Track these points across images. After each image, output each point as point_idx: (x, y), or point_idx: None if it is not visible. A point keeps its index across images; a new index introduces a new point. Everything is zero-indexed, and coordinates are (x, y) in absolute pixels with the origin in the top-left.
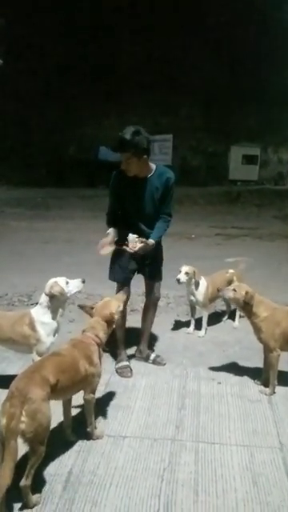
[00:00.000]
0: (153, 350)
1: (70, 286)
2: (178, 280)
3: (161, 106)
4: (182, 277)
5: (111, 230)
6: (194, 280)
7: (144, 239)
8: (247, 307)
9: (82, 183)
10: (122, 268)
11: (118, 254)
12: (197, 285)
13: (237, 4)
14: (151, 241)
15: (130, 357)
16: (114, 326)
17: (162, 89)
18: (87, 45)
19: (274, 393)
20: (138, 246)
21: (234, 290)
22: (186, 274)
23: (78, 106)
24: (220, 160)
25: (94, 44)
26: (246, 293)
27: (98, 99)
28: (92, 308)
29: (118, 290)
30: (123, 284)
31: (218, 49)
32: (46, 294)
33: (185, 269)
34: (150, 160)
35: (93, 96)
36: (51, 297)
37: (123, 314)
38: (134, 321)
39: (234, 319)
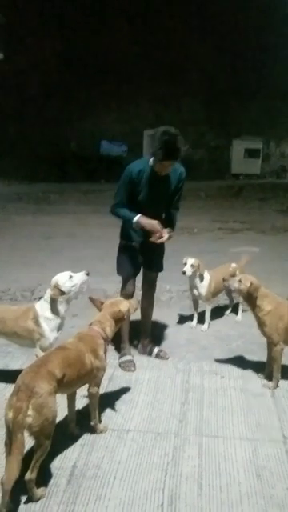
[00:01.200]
0: (156, 345)
1: (75, 279)
2: (184, 272)
3: (162, 100)
4: (188, 269)
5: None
6: (198, 273)
7: (169, 229)
8: (251, 299)
9: (84, 178)
10: (130, 263)
11: (126, 249)
12: (201, 278)
13: None
14: (171, 232)
15: (134, 351)
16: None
17: (162, 83)
18: (88, 39)
19: (278, 386)
20: (166, 236)
21: (240, 280)
22: (192, 266)
23: (79, 101)
24: (222, 154)
25: (94, 38)
26: (251, 284)
27: (98, 94)
28: (102, 303)
29: (124, 285)
30: (129, 278)
31: (220, 42)
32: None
33: (190, 261)
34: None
35: (94, 90)
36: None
37: None
38: (137, 315)
39: (237, 313)
